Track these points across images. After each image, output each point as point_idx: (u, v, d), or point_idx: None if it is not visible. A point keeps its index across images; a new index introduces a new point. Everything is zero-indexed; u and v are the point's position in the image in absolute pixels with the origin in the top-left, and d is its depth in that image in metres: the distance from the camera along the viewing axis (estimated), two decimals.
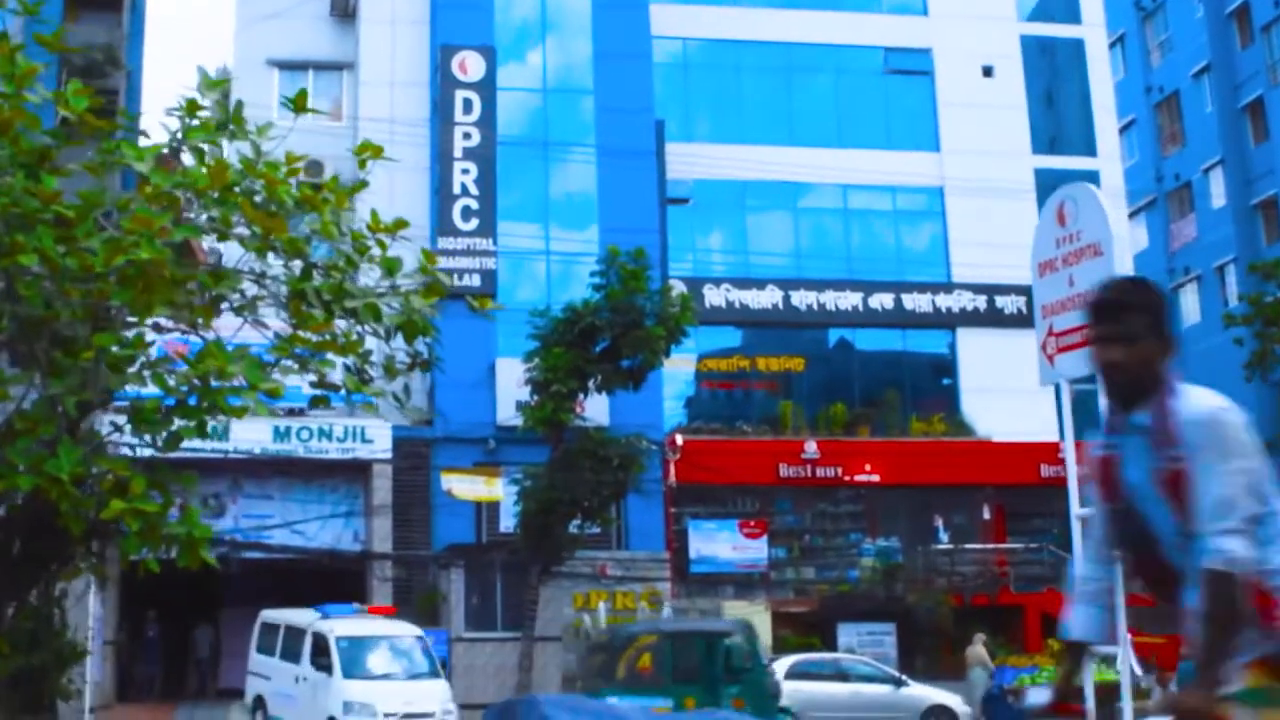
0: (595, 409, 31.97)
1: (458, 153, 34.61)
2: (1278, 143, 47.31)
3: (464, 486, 29.83)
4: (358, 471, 32.15)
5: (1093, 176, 39.81)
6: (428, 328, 12.75)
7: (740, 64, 39.08)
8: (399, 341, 13.16)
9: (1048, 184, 39.16)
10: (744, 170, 37.21)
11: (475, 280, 34.01)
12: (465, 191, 34.42)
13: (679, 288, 33.89)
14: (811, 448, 34.86)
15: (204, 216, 11.56)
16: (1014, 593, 34.96)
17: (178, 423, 11.52)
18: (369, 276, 13.33)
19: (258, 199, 11.76)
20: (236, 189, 11.69)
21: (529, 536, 29.35)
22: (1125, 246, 38.56)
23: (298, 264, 12.74)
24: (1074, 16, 41.38)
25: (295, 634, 25.56)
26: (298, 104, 12.70)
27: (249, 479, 32.39)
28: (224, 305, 11.87)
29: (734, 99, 38.91)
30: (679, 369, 35.96)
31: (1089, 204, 14.23)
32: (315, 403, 12.68)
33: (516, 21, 36.29)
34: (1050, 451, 36.00)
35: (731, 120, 38.64)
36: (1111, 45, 54.38)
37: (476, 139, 34.74)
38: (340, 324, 12.49)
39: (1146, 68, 53.76)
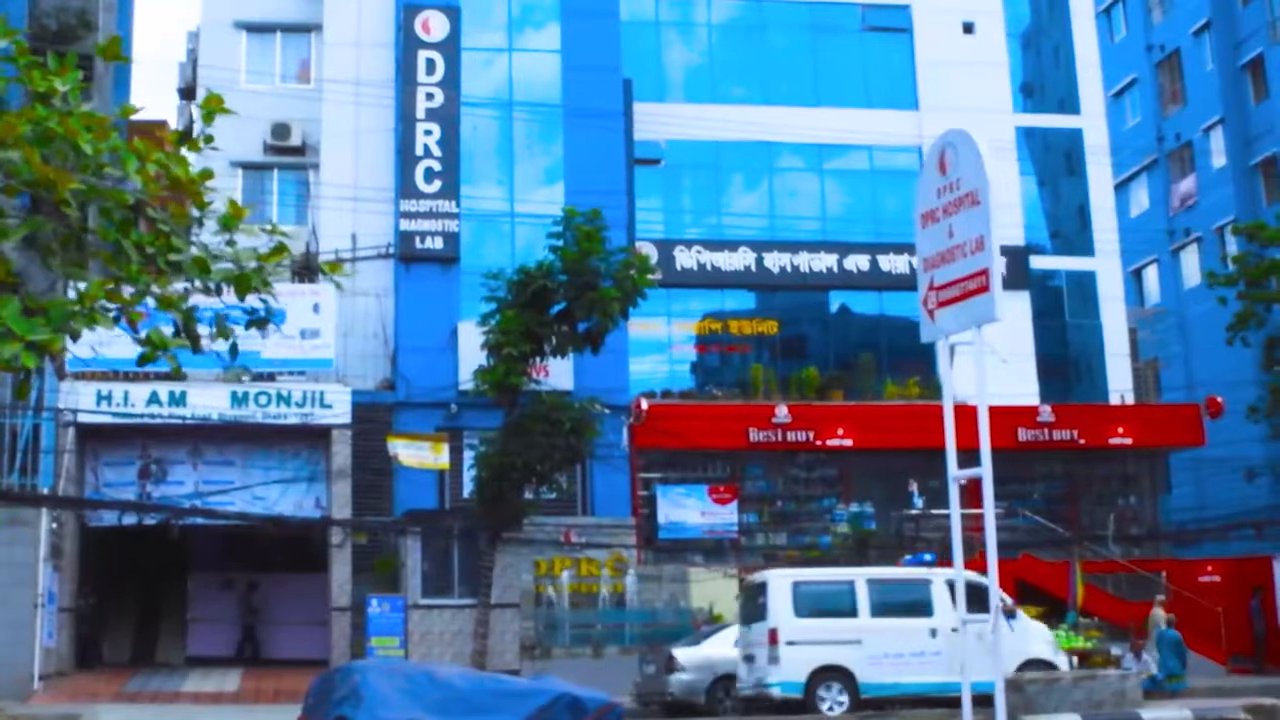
0: (560, 373, 31.58)
1: (420, 114, 34.10)
2: (1278, 101, 46.32)
3: (410, 453, 29.39)
4: (318, 437, 31.79)
5: (1077, 135, 39.25)
6: (264, 283, 12.18)
7: (713, 22, 38.42)
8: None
9: (1030, 143, 38.58)
10: (717, 130, 36.56)
11: (438, 243, 33.59)
12: (428, 153, 33.92)
13: (648, 250, 33.48)
14: (783, 412, 34.25)
15: None
16: None
17: None
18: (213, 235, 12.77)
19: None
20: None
21: (484, 503, 29.01)
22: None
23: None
24: None
25: (912, 587, 23.73)
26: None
27: (209, 445, 32.09)
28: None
29: (707, 58, 38.27)
30: (650, 333, 35.49)
31: (968, 151, 13.63)
32: (142, 360, 12.16)
33: None
34: (1029, 415, 35.49)
35: (705, 79, 38.03)
36: (1112, 3, 53.54)
37: (440, 100, 34.22)
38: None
39: (1148, 26, 52.74)
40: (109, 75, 36.07)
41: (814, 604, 22.84)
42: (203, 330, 12.45)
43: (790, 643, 22.14)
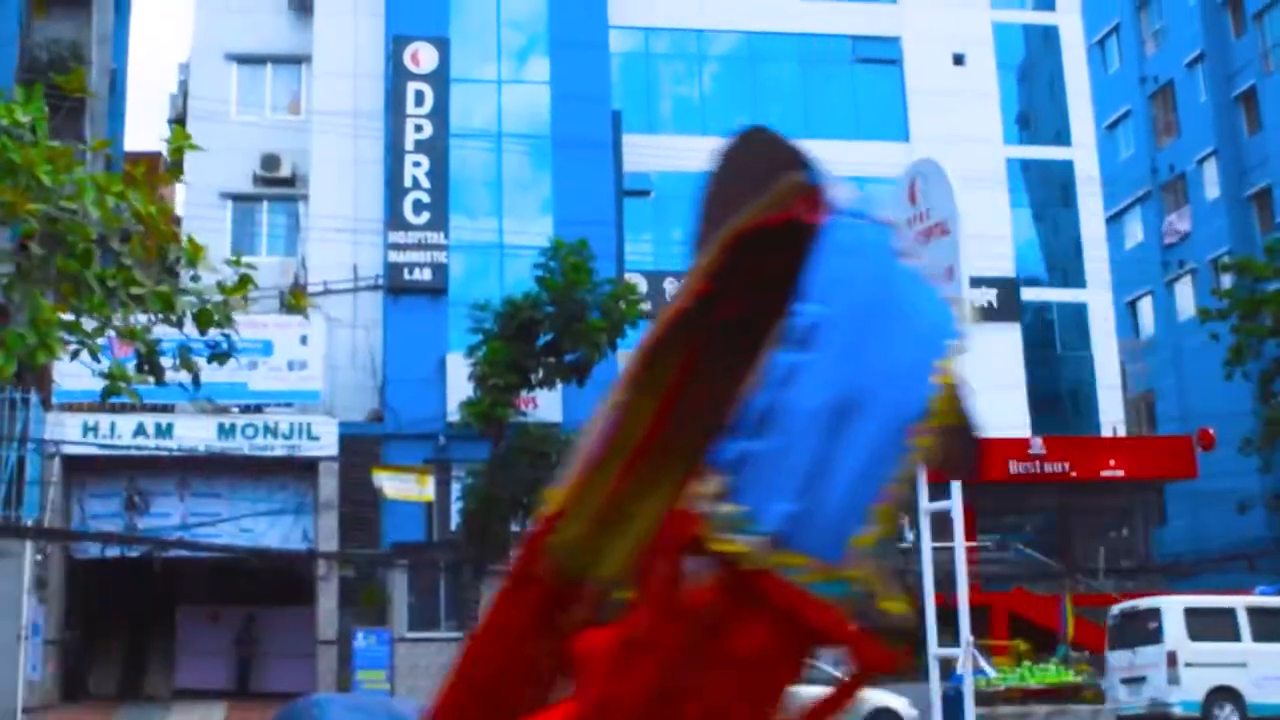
0: (549, 405, 31.47)
1: (409, 145, 34.10)
2: (1271, 133, 46.29)
3: (395, 485, 29.26)
4: (306, 469, 31.70)
5: (1068, 166, 39.20)
6: (226, 318, 12.15)
7: (703, 54, 38.47)
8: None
9: (1021, 174, 38.56)
10: (706, 162, 36.38)
11: (427, 275, 33.53)
12: (417, 185, 33.91)
13: (638, 282, 33.38)
14: None
15: None
16: (982, 592, 34.13)
17: None
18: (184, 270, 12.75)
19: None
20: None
21: (470, 535, 28.90)
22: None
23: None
24: (1048, 3, 40.55)
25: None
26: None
27: (196, 477, 32.01)
28: None
29: (697, 89, 38.28)
30: None
31: (937, 181, 13.52)
32: (105, 393, 12.14)
33: (471, 11, 35.73)
34: (1020, 448, 35.33)
35: (694, 111, 37.99)
36: (1106, 36, 53.64)
37: (429, 131, 34.22)
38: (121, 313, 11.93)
39: (1141, 58, 52.77)
40: (104, 107, 36.10)
41: (1203, 628, 24.57)
42: (166, 362, 12.42)
43: (1188, 664, 23.95)
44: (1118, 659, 25.64)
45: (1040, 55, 40.53)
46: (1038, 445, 35.52)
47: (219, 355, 12.49)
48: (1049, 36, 40.41)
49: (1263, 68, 46.81)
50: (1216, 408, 40.04)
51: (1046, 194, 39.77)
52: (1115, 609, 27.52)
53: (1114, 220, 50.22)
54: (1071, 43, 40.29)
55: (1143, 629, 24.97)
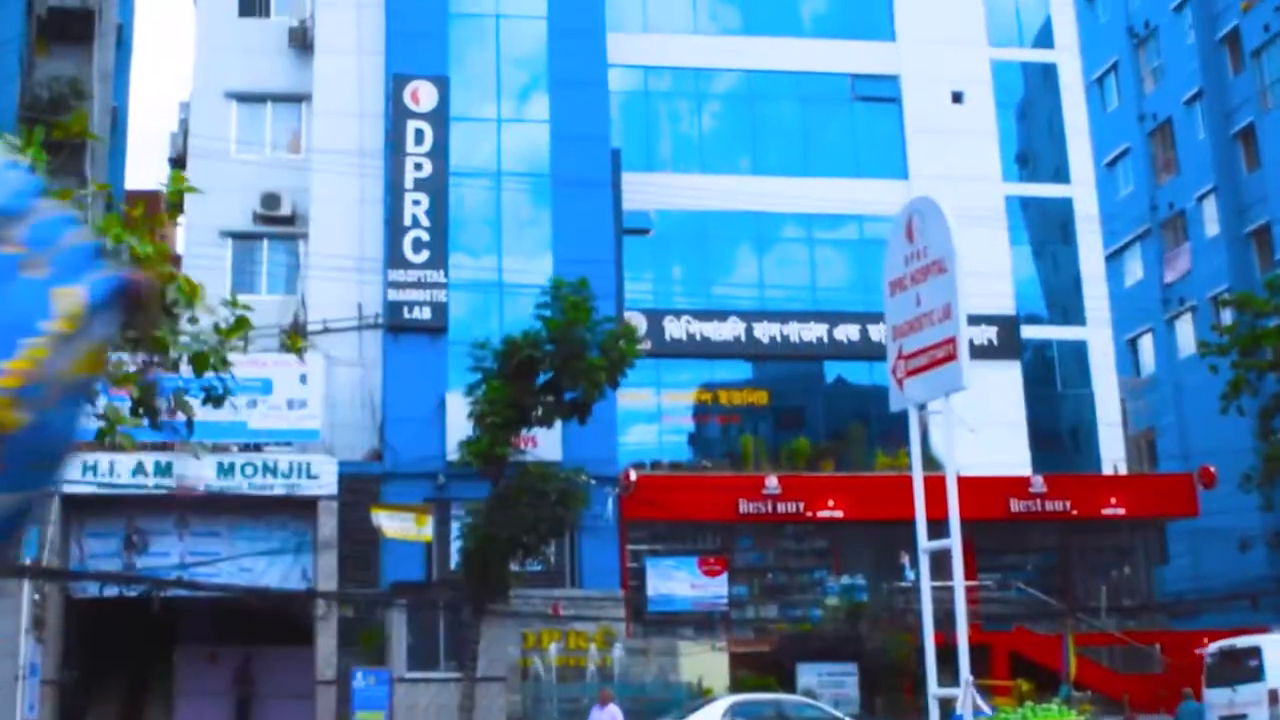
0: (549, 444, 31.45)
1: (409, 184, 34.13)
2: (1270, 169, 46.36)
3: (394, 524, 29.20)
4: (305, 508, 31.58)
5: (1067, 204, 39.24)
6: (221, 361, 12.10)
7: (703, 92, 38.58)
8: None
9: (1021, 212, 38.60)
10: (706, 200, 36.59)
11: (426, 313, 33.51)
12: (416, 223, 33.93)
13: (637, 320, 33.40)
14: (773, 483, 34.04)
15: None
16: (983, 631, 34.01)
17: None
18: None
19: None
20: None
21: (469, 575, 28.81)
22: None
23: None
24: (1047, 41, 40.66)
25: None
26: None
27: (195, 516, 31.91)
28: None
29: (696, 128, 38.37)
30: (639, 403, 35.37)
31: (934, 219, 13.54)
32: (99, 436, 12.09)
33: (471, 51, 35.84)
34: (1021, 486, 35.26)
35: (694, 149, 38.08)
36: (1104, 74, 53.78)
37: (428, 170, 34.26)
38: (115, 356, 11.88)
39: (1140, 96, 52.91)
40: (105, 145, 36.19)
41: None
42: (162, 404, 12.38)
43: None
44: (1216, 697, 26.12)
45: (1039, 93, 40.62)
46: (1038, 483, 35.44)
47: (214, 398, 12.44)
48: (1048, 74, 40.49)
49: (1261, 105, 46.91)
50: (1218, 445, 39.94)
51: (1046, 231, 39.79)
52: (1212, 647, 27.77)
53: (1114, 258, 50.27)
54: (1070, 81, 40.37)
55: (1242, 667, 25.55)
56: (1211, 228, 48.59)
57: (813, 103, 38.63)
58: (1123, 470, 37.79)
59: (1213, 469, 35.66)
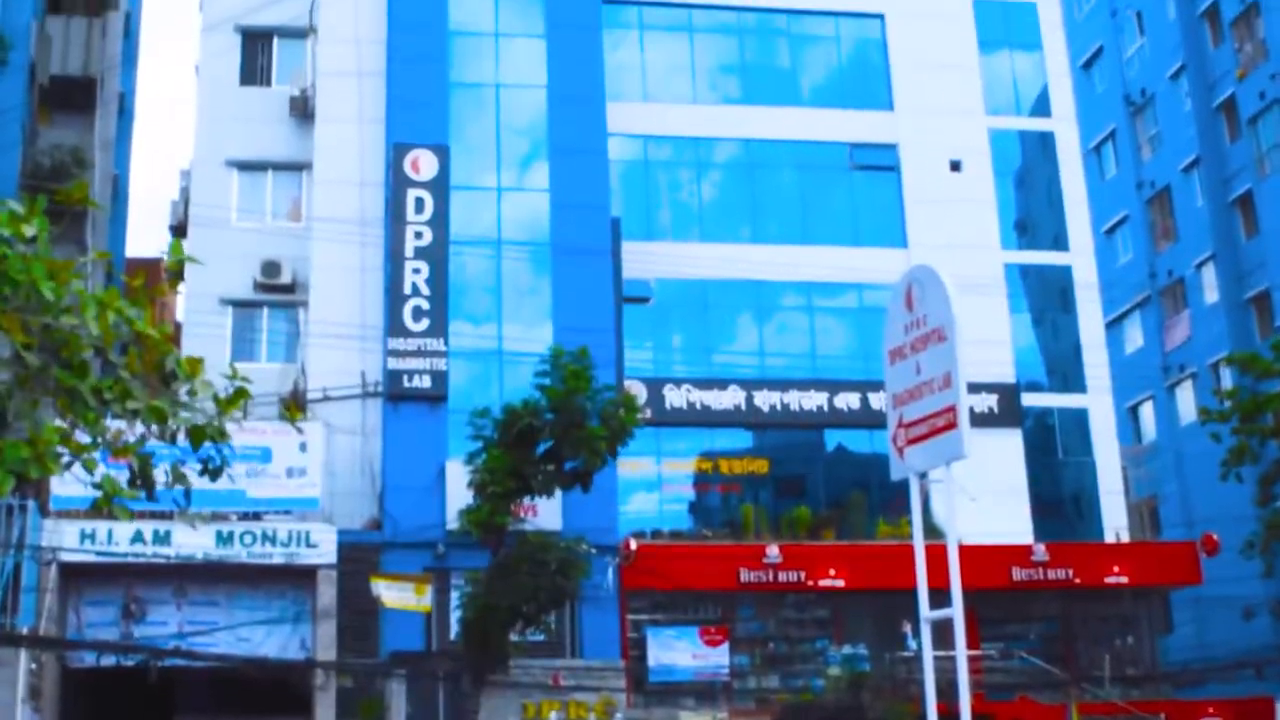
0: (548, 513, 31.39)
1: (409, 252, 34.21)
2: (1268, 236, 46.53)
3: (393, 594, 29.06)
4: (304, 577, 31.46)
5: (1066, 271, 39.32)
6: (219, 433, 12.07)
7: (702, 161, 38.74)
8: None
9: (1020, 279, 38.66)
10: (706, 269, 36.70)
11: (426, 382, 33.48)
12: (416, 291, 33.98)
13: (637, 389, 33.39)
14: (774, 552, 33.91)
15: None
16: (986, 701, 33.77)
17: None
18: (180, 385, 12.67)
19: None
20: None
21: (469, 645, 28.64)
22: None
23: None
24: (1044, 110, 40.86)
25: None
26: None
27: (193, 584, 31.77)
28: None
29: (696, 196, 38.51)
30: (640, 472, 35.30)
31: (934, 287, 13.54)
32: (95, 505, 12.05)
33: (471, 120, 36.03)
34: (1023, 555, 35.11)
35: (693, 218, 38.20)
36: (1102, 142, 54.08)
37: (429, 238, 34.34)
38: (115, 425, 11.90)
39: (1138, 163, 53.17)
40: (106, 212, 36.33)
41: None
42: (160, 476, 12.35)
43: None
44: None
45: (1037, 161, 40.78)
46: (1040, 552, 35.29)
47: (211, 471, 12.40)
48: (1045, 143, 40.67)
49: (1258, 172, 47.14)
50: (1220, 512, 39.83)
51: (1045, 299, 39.84)
52: None
53: (1114, 325, 50.39)
54: (1068, 149, 40.54)
55: None
56: (1211, 294, 48.71)
57: (812, 171, 38.79)
58: (1125, 538, 37.64)
59: (1216, 536, 35.53)
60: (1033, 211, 40.78)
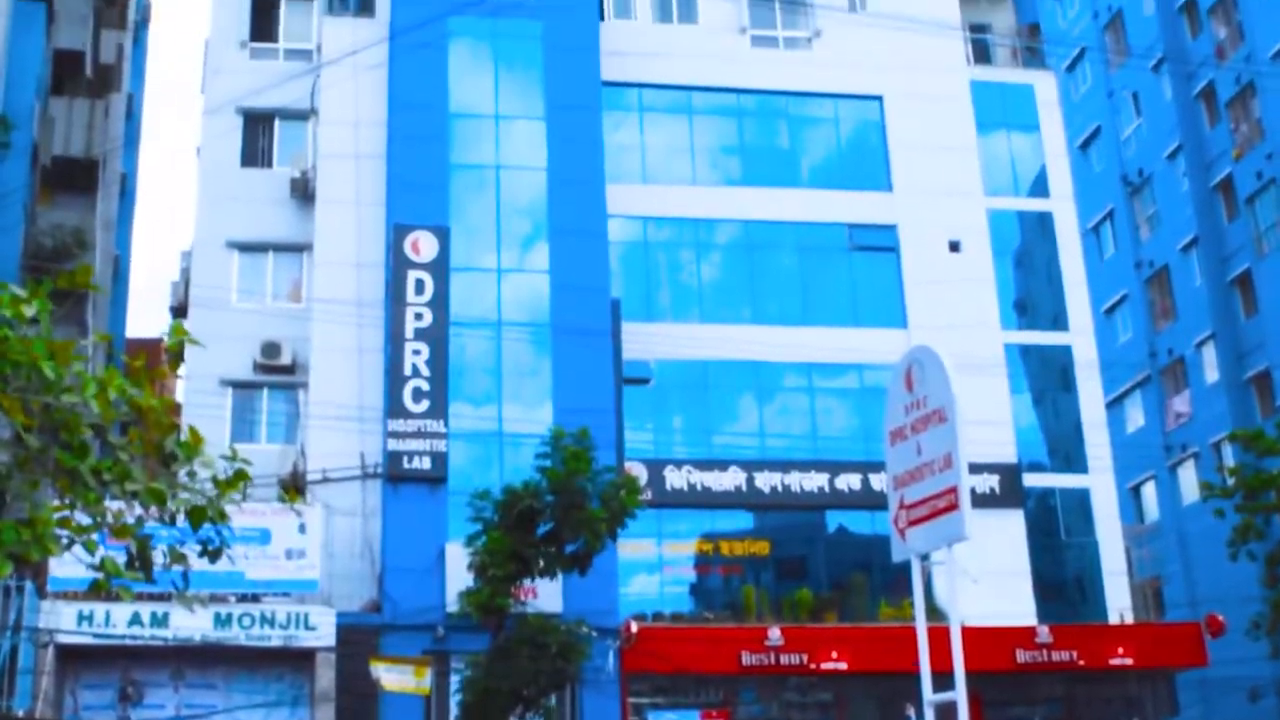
0: (548, 595, 31.21)
1: (409, 334, 34.24)
2: (1268, 315, 46.60)
3: (393, 677, 28.80)
4: (303, 659, 31.26)
5: (1066, 351, 39.32)
6: (219, 514, 12.08)
7: (702, 242, 38.84)
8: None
9: (1021, 359, 38.67)
10: (707, 350, 36.72)
11: (426, 463, 33.39)
12: (416, 373, 33.98)
13: (638, 470, 33.31)
14: (775, 634, 33.67)
15: None
16: None
17: None
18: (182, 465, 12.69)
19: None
20: None
21: None
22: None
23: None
24: (1042, 190, 41.03)
25: None
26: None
27: (191, 667, 31.56)
28: None
29: (696, 278, 38.57)
30: (640, 554, 35.15)
31: (934, 368, 13.54)
32: (93, 587, 12.03)
33: (471, 201, 36.17)
34: (1026, 636, 34.86)
35: (694, 299, 38.25)
36: (1100, 222, 54.32)
37: (429, 319, 34.39)
38: (114, 505, 11.88)
39: (1136, 243, 53.39)
40: (107, 293, 36.40)
41: None
42: (158, 557, 12.32)
43: None
44: None
45: (1036, 241, 40.91)
46: (1044, 633, 35.04)
47: (211, 552, 12.38)
48: (1044, 223, 40.81)
49: (1257, 251, 47.29)
50: (1225, 592, 39.66)
51: (1046, 379, 39.83)
52: None
53: (1114, 404, 50.37)
54: (1066, 229, 40.67)
55: None
56: (1211, 374, 48.73)
57: (812, 252, 38.90)
58: (1129, 619, 37.41)
59: (1221, 617, 35.31)
60: (1032, 291, 40.85)
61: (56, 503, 12.07)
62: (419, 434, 33.56)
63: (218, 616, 30.55)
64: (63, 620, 29.59)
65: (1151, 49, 52.98)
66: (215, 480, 12.19)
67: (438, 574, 32.51)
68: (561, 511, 27.81)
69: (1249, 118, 48.43)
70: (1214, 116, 50.55)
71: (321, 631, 30.89)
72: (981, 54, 42.90)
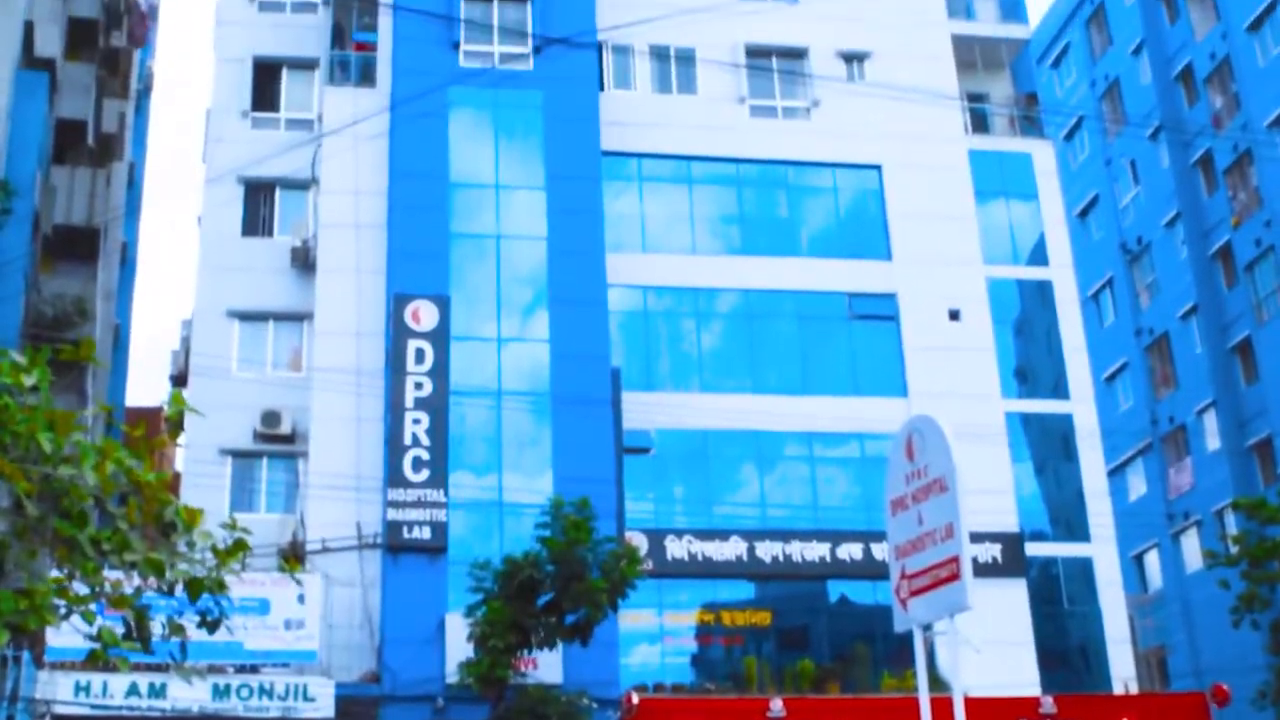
0: (549, 666, 31.04)
1: (409, 403, 34.21)
2: (1268, 382, 46.59)
3: None
4: None
5: (1067, 420, 39.23)
6: (218, 584, 12.04)
7: (702, 311, 38.86)
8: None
9: (1021, 428, 38.61)
10: (707, 419, 36.65)
11: (426, 533, 33.27)
12: (416, 442, 33.92)
13: (638, 540, 33.21)
14: (777, 706, 33.34)
15: None
16: None
17: None
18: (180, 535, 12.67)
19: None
20: None
21: None
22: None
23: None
24: (1042, 259, 41.09)
25: None
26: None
27: None
28: None
29: (696, 347, 38.57)
30: (641, 624, 34.95)
31: (934, 437, 13.50)
32: (91, 656, 11.97)
33: (471, 271, 36.24)
34: (1030, 707, 34.54)
35: (694, 368, 38.23)
36: (1100, 290, 54.42)
37: (429, 389, 34.38)
38: (113, 575, 11.85)
39: (1136, 310, 53.48)
40: (107, 364, 36.37)
41: None
42: (156, 629, 12.26)
43: None
44: None
45: (1035, 310, 40.94)
46: (1049, 704, 34.70)
47: (209, 623, 12.32)
48: (1043, 291, 40.85)
49: (1256, 318, 47.35)
50: (1230, 661, 39.42)
51: (1047, 447, 39.76)
52: None
53: (1116, 473, 50.25)
54: (1065, 297, 40.70)
55: None
56: (1213, 441, 48.66)
57: (811, 321, 38.91)
58: (1134, 689, 37.12)
59: (1226, 687, 35.02)
60: (1032, 360, 40.85)
61: (55, 573, 12.03)
62: (419, 503, 33.47)
63: (216, 687, 30.33)
64: (60, 691, 29.39)
65: (1149, 117, 53.28)
66: (214, 549, 12.16)
67: (437, 644, 32.30)
68: (562, 582, 27.77)
69: (1247, 185, 48.64)
70: (1212, 184, 50.77)
71: (320, 703, 30.64)
72: (979, 123, 43.06)
